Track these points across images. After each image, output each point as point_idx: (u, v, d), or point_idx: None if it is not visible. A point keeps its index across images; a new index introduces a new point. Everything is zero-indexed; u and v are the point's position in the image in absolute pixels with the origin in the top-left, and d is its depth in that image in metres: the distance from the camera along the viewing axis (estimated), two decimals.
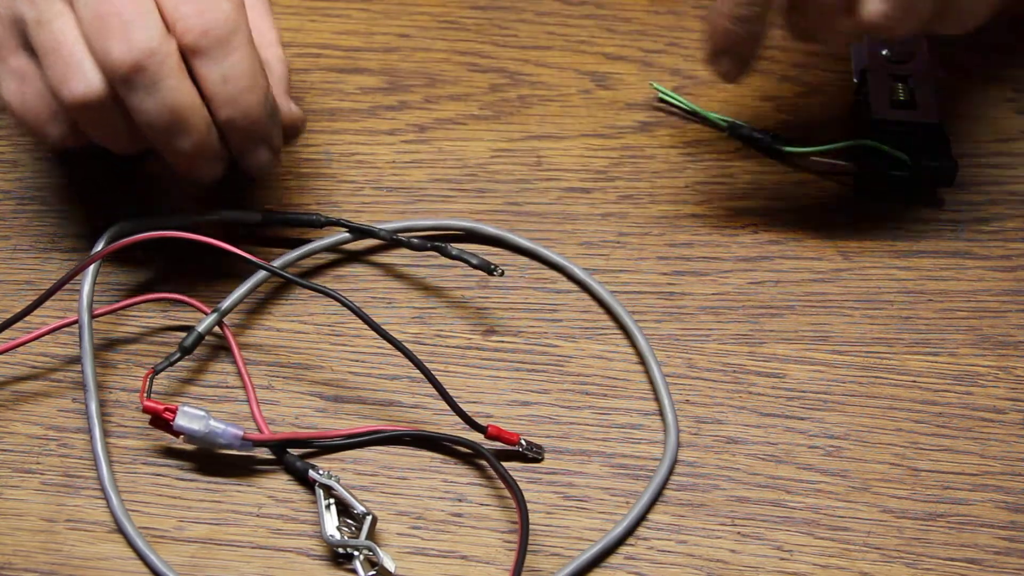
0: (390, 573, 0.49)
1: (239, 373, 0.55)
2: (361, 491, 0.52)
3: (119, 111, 0.51)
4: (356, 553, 0.50)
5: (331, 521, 0.51)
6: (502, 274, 0.56)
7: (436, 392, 0.52)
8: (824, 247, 0.60)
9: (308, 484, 0.52)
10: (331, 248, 0.59)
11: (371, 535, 0.50)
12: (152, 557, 0.50)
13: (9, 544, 0.51)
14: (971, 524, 0.52)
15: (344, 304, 0.52)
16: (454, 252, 0.56)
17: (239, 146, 0.54)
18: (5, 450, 0.53)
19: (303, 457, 0.53)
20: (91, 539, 0.51)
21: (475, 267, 0.56)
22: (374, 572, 0.49)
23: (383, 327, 0.52)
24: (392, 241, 0.58)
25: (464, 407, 0.52)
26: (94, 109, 0.51)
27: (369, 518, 0.50)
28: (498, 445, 0.53)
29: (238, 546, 0.51)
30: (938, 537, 0.52)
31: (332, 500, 0.51)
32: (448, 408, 0.52)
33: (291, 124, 0.56)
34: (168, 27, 0.51)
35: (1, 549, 0.50)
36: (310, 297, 0.58)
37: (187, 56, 0.51)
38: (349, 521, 0.51)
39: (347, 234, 0.59)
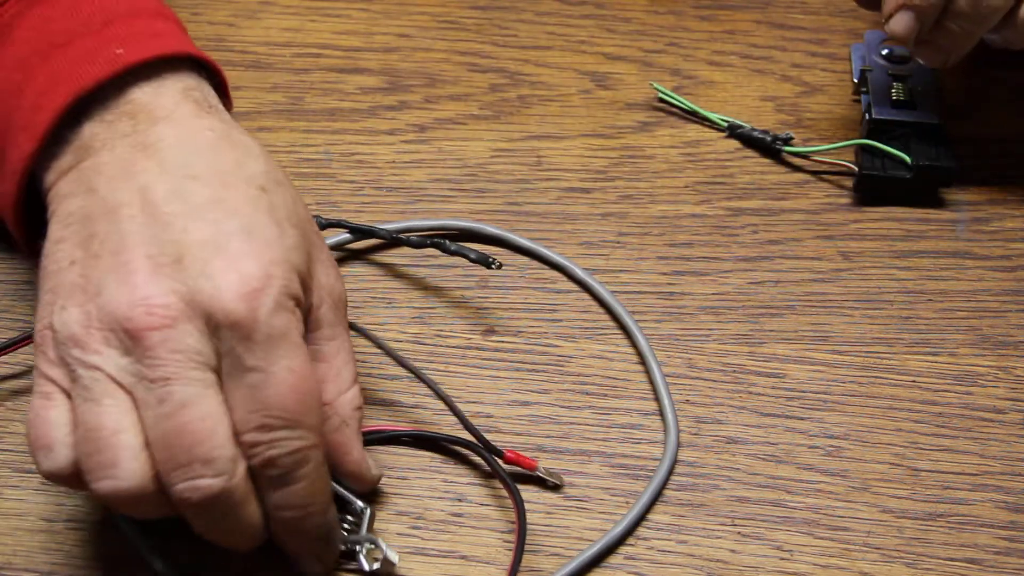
0: (393, 564, 0.49)
1: None
2: None
3: (154, 500, 0.45)
4: (359, 548, 0.49)
5: None
6: (499, 266, 0.56)
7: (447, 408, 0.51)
8: (824, 247, 0.60)
9: None
10: (331, 248, 0.59)
11: (371, 527, 0.50)
12: (152, 557, 0.50)
13: (9, 544, 0.51)
14: (971, 524, 0.52)
15: (368, 337, 0.52)
16: (453, 247, 0.56)
17: (288, 551, 0.49)
18: (5, 450, 0.53)
19: None
20: (91, 539, 0.51)
21: (474, 261, 0.56)
22: (378, 564, 0.49)
23: (405, 359, 0.52)
24: (392, 239, 0.58)
25: (464, 407, 0.52)
26: (123, 500, 0.45)
27: (367, 511, 0.50)
28: (516, 470, 0.52)
29: None
30: (938, 537, 0.52)
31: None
32: (447, 408, 0.52)
33: (365, 486, 0.51)
34: (237, 441, 0.45)
35: (1, 549, 0.50)
36: None
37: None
38: (349, 518, 0.51)
39: (347, 234, 0.59)
